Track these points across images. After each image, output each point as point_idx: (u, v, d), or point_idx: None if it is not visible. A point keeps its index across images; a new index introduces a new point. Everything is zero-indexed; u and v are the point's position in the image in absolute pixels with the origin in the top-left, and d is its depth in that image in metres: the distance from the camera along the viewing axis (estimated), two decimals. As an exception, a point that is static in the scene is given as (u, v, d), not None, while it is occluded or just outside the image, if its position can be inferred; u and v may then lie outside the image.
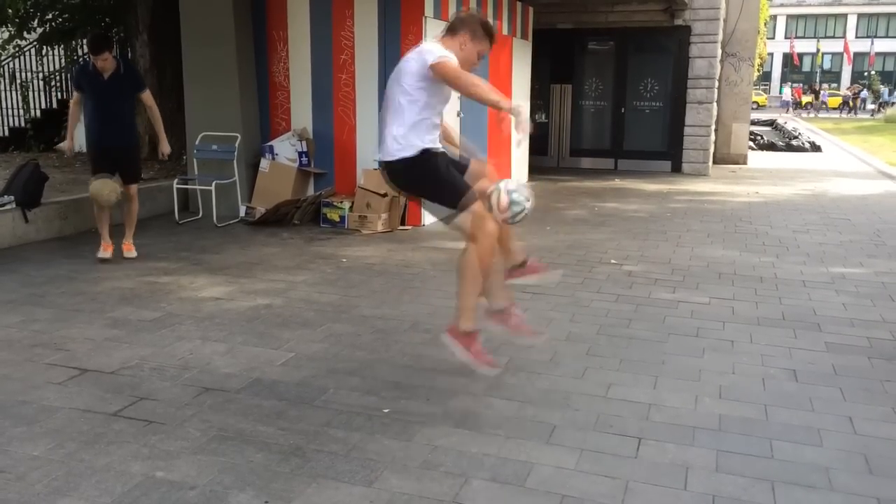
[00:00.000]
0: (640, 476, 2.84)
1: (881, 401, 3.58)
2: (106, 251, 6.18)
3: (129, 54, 10.64)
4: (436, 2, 7.82)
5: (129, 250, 6.32)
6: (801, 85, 50.17)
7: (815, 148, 18.32)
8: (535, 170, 12.08)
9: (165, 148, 6.47)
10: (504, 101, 3.36)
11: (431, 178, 3.63)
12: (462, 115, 8.64)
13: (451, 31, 3.68)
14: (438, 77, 3.46)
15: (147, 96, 6.28)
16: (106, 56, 5.94)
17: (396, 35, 7.67)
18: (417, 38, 7.27)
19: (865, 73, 53.14)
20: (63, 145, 6.28)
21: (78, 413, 3.32)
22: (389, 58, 7.64)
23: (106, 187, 6.11)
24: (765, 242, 7.25)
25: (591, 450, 3.04)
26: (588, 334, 4.49)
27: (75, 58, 11.63)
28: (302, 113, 8.21)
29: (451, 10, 8.20)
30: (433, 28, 7.56)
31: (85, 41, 6.11)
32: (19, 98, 12.09)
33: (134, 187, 6.36)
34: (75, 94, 6.28)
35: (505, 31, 10.01)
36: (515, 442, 3.10)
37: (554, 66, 13.42)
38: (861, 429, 3.27)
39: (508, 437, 3.14)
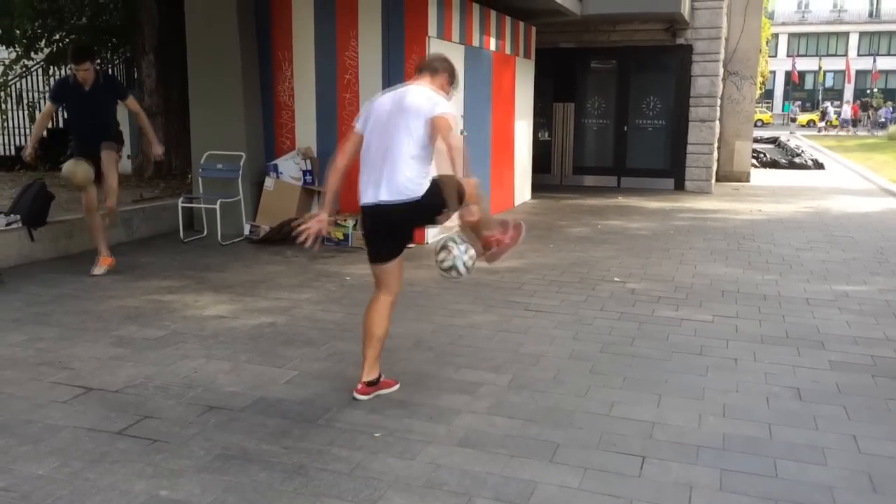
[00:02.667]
0: (643, 495, 2.84)
1: (886, 419, 3.57)
2: (103, 265, 6.22)
3: (136, 74, 10.74)
4: (439, 22, 7.89)
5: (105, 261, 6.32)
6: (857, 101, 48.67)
7: (818, 165, 18.34)
8: (538, 188, 12.12)
9: (157, 150, 6.51)
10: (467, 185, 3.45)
11: (419, 219, 3.72)
12: (465, 133, 8.69)
13: (432, 71, 3.69)
14: (435, 130, 3.44)
15: (131, 102, 6.35)
16: (87, 66, 6.01)
17: (400, 54, 7.74)
18: (421, 58, 7.32)
19: (868, 91, 53.21)
20: (23, 153, 6.36)
21: (83, 432, 3.33)
22: (393, 77, 7.70)
23: (80, 168, 6.10)
24: (768, 260, 7.26)
25: (594, 468, 3.04)
26: (591, 352, 4.49)
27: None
28: (306, 132, 8.26)
29: (455, 30, 8.27)
30: (436, 48, 7.63)
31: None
32: (26, 118, 12.19)
33: (113, 155, 6.23)
34: (48, 105, 6.37)
35: (508, 51, 10.09)
36: (519, 461, 3.11)
37: (556, 85, 13.51)
38: (865, 447, 3.27)
39: (512, 456, 3.14)
